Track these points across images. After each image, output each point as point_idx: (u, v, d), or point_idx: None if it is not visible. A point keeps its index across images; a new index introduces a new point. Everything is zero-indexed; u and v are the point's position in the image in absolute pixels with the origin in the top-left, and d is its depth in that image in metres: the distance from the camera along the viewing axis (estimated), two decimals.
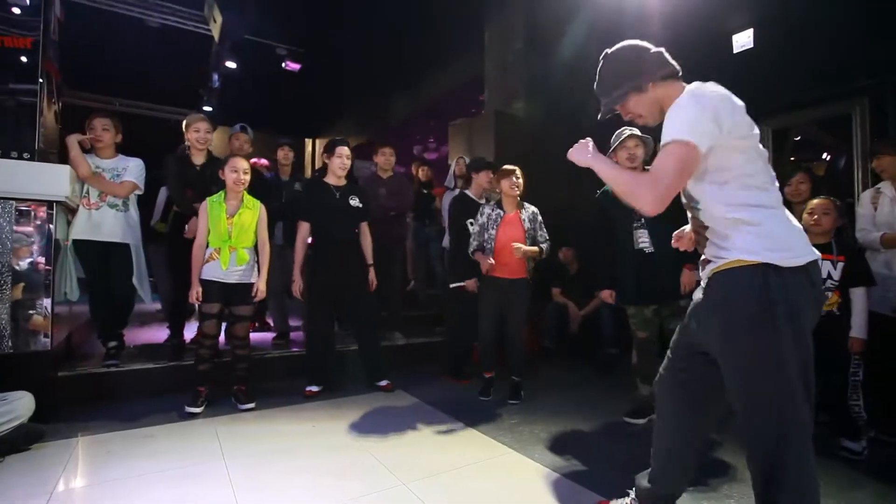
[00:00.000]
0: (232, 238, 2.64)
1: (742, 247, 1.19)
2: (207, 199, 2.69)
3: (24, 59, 2.70)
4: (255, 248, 2.78)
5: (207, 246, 2.65)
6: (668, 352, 1.47)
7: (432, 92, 7.21)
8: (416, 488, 1.81)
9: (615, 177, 1.28)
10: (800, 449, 1.15)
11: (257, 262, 2.78)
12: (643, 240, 2.50)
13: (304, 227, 2.99)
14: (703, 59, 4.11)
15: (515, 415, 2.68)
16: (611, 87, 1.38)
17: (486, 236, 2.89)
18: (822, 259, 2.21)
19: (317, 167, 6.62)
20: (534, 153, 4.06)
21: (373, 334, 3.14)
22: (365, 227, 3.09)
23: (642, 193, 1.19)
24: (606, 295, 2.66)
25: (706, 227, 1.29)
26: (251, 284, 2.72)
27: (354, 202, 3.01)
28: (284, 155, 3.76)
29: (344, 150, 2.99)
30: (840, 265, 2.19)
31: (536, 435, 2.38)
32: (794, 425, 1.14)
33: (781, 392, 1.15)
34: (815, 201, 2.27)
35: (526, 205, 2.95)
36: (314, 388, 2.95)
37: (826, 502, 1.73)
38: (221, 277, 2.63)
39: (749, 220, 1.19)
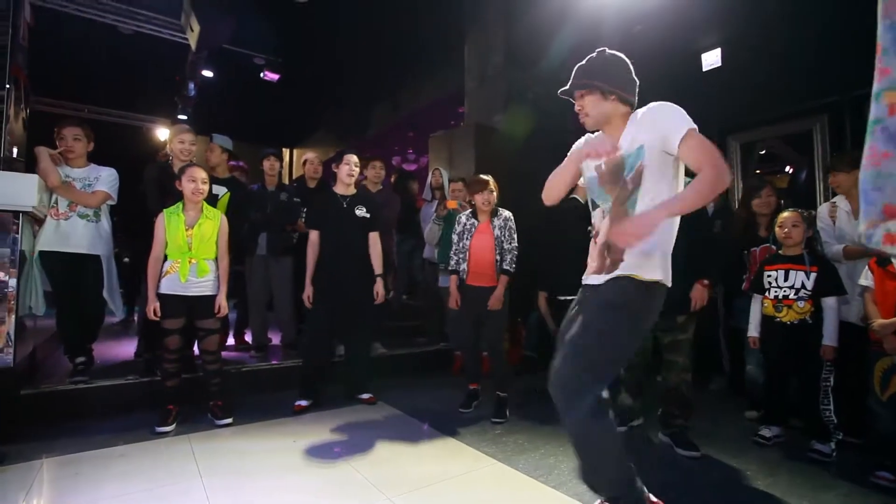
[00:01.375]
0: (192, 249, 2.56)
1: (656, 265, 1.44)
2: (164, 210, 2.61)
3: None
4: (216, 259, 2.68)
5: (166, 259, 2.57)
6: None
7: (412, 104, 7.26)
8: (403, 503, 1.79)
9: (687, 205, 1.33)
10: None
11: (219, 275, 2.68)
12: None
13: (312, 235, 2.95)
14: (674, 75, 4.29)
15: (499, 426, 2.68)
16: (594, 75, 1.49)
17: (461, 245, 2.90)
18: (796, 270, 2.31)
19: (294, 177, 6.54)
20: (514, 165, 4.12)
21: (365, 347, 3.11)
22: (374, 238, 3.04)
23: (717, 184, 1.29)
24: None
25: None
26: (214, 297, 2.62)
27: (361, 212, 2.98)
28: (270, 165, 3.72)
29: (352, 158, 2.98)
30: (813, 275, 2.29)
31: (521, 445, 2.38)
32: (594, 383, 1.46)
33: (608, 360, 1.48)
34: (785, 214, 2.37)
35: (500, 211, 2.90)
36: (303, 403, 2.87)
37: (797, 503, 1.81)
38: (181, 290, 2.53)
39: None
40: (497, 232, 2.85)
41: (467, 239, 2.88)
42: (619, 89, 1.48)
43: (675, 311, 2.27)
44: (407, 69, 6.65)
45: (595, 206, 1.61)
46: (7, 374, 2.34)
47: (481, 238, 2.87)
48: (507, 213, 2.90)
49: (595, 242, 1.58)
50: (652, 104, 1.44)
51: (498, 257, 2.83)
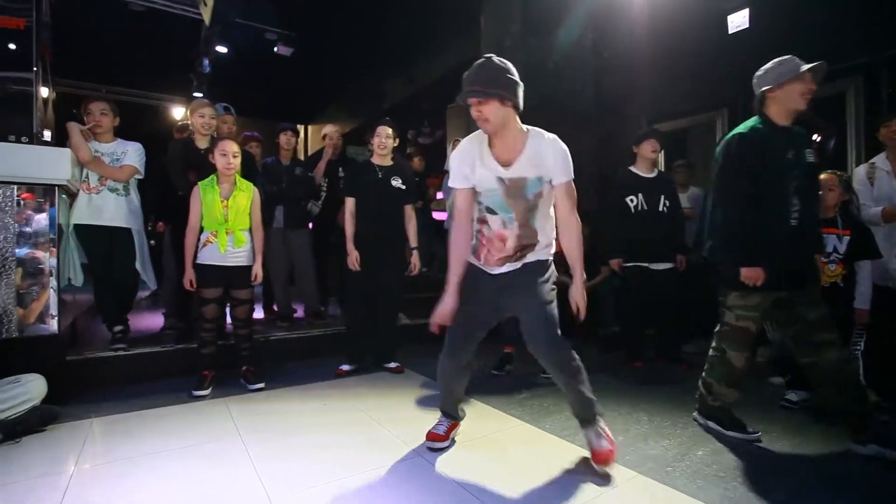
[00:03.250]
0: (228, 221, 2.63)
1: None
2: (199, 183, 2.67)
3: (18, 41, 2.63)
4: (251, 230, 2.75)
5: (202, 231, 2.64)
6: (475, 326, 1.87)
7: (427, 75, 7.15)
8: (437, 459, 1.86)
9: (581, 257, 1.80)
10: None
11: (254, 246, 2.76)
12: (796, 209, 1.92)
13: (348, 202, 2.99)
14: (698, 39, 4.16)
15: (524, 390, 2.73)
16: (492, 84, 1.60)
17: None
18: (828, 233, 2.28)
19: (310, 153, 6.55)
20: None
21: (393, 316, 3.17)
22: (409, 210, 3.07)
23: (580, 228, 1.77)
24: (753, 274, 1.91)
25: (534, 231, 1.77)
26: (250, 267, 2.71)
27: (397, 183, 3.00)
28: (287, 140, 3.74)
29: (385, 130, 2.98)
30: (846, 239, 2.25)
31: (546, 408, 2.43)
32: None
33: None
34: (822, 176, 2.32)
35: None
36: (346, 368, 2.97)
37: (826, 465, 1.82)
38: (220, 261, 2.61)
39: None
40: None
41: None
42: (514, 96, 1.63)
43: (812, 281, 2.00)
44: (421, 40, 6.53)
45: (493, 212, 1.77)
46: (53, 341, 2.45)
47: None
48: None
49: (499, 241, 1.78)
50: (554, 140, 1.70)
51: None
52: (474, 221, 1.83)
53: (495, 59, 1.64)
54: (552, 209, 1.79)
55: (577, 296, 1.76)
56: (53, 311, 2.46)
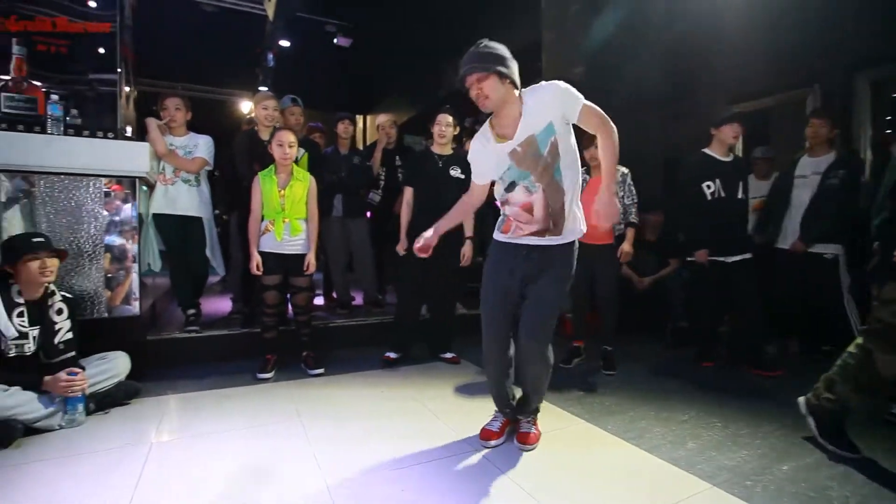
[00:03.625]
0: (285, 210, 2.69)
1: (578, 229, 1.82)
2: (259, 173, 2.75)
3: (105, 44, 2.83)
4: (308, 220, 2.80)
5: (263, 219, 2.72)
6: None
7: None
8: (492, 455, 1.81)
9: (613, 166, 1.72)
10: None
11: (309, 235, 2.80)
12: None
13: (407, 192, 3.01)
14: (785, 7, 3.74)
15: (582, 386, 2.62)
16: (490, 60, 1.62)
17: None
18: None
19: (368, 143, 6.65)
20: None
21: (450, 306, 3.14)
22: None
23: (615, 134, 1.68)
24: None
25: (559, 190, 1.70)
26: (306, 256, 2.77)
27: (455, 172, 2.96)
28: (344, 128, 3.79)
29: (444, 118, 2.95)
30: None
31: (608, 407, 2.31)
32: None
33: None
34: None
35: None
36: (392, 355, 3.00)
37: None
38: (277, 249, 2.69)
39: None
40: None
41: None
42: (511, 73, 1.65)
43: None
44: (479, 24, 6.39)
45: (513, 186, 1.74)
46: (135, 322, 2.65)
47: (593, 194, 2.79)
48: (623, 169, 2.86)
49: (525, 212, 1.73)
50: (549, 83, 1.64)
51: None
52: (501, 206, 1.85)
53: (489, 41, 1.68)
54: (576, 162, 1.75)
55: (602, 204, 1.66)
56: (136, 294, 2.66)
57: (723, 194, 2.87)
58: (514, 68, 1.67)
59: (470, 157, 1.86)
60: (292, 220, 2.71)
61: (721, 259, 2.90)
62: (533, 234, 1.75)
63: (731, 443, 1.92)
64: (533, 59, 5.86)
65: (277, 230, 2.67)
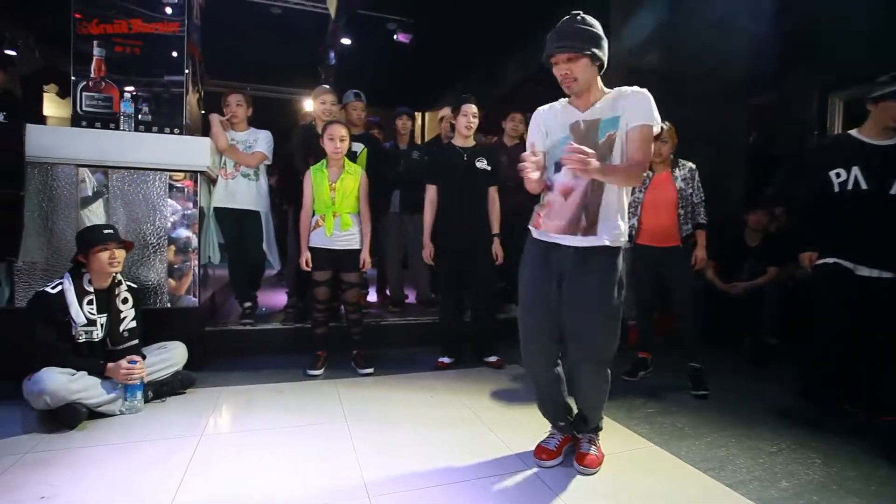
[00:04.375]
0: (335, 204, 2.65)
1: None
2: (311, 167, 2.72)
3: (174, 44, 2.92)
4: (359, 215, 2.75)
5: (314, 214, 2.69)
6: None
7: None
8: (547, 476, 1.65)
9: (618, 178, 1.53)
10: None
11: (362, 230, 2.75)
12: None
13: (430, 191, 2.88)
14: None
15: (650, 404, 2.37)
16: (586, 40, 1.50)
17: (631, 199, 2.59)
18: None
19: (426, 140, 6.62)
20: (674, 111, 3.53)
21: (489, 308, 2.98)
22: (493, 193, 2.87)
23: (639, 175, 1.57)
24: None
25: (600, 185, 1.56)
26: (358, 251, 2.71)
27: (482, 164, 2.83)
28: (403, 124, 3.74)
29: (470, 109, 2.81)
30: None
31: (680, 429, 2.06)
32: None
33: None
34: None
35: (682, 162, 2.61)
36: (445, 360, 2.89)
37: None
38: (327, 244, 2.65)
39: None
40: (680, 184, 2.57)
41: (640, 192, 2.60)
42: (603, 56, 1.55)
43: None
44: (542, 13, 6.14)
45: (558, 167, 1.61)
46: (195, 313, 2.71)
47: (660, 191, 2.58)
48: (690, 164, 2.61)
49: (564, 199, 1.61)
50: (638, 89, 1.55)
51: (681, 212, 2.55)
52: (543, 193, 1.72)
53: (585, 16, 1.56)
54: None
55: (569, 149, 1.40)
56: (196, 285, 2.73)
57: (864, 186, 2.23)
58: (605, 49, 1.55)
59: (532, 119, 1.74)
60: (343, 215, 2.67)
61: (851, 266, 2.26)
62: (563, 231, 1.60)
63: (837, 486, 1.62)
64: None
65: (328, 225, 2.64)
